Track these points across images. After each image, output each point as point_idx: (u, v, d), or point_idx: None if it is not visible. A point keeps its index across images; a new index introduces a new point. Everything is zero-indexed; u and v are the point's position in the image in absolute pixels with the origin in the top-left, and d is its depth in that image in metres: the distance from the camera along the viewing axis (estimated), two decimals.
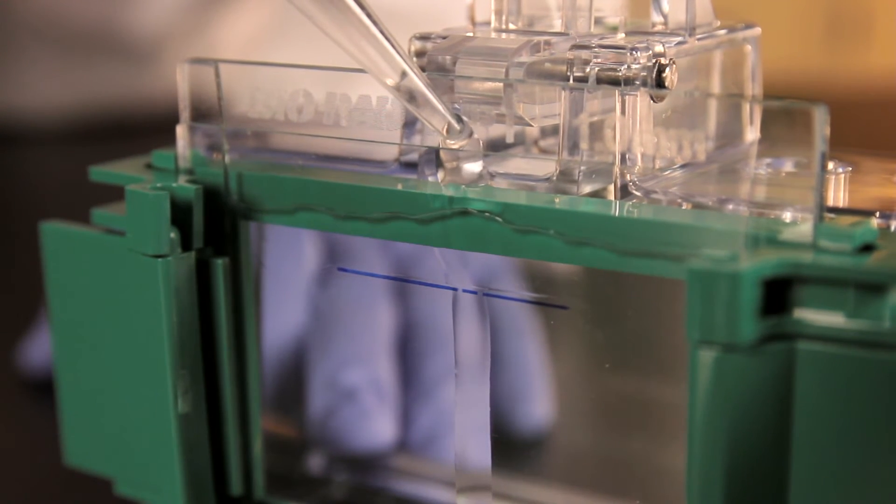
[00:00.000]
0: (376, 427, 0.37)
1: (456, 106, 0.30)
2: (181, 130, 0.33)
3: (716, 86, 0.32)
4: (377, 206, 0.31)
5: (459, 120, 0.30)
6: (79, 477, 0.36)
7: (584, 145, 0.30)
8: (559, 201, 0.29)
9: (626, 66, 0.29)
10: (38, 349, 0.45)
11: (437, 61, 0.31)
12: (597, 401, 0.35)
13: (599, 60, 0.30)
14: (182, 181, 0.32)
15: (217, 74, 0.32)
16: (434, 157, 0.32)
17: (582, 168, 0.30)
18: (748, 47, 0.33)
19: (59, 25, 0.81)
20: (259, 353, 0.34)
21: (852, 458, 0.25)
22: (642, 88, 0.29)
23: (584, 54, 0.30)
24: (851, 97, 0.92)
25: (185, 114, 0.33)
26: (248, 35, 0.84)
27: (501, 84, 0.30)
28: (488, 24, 0.32)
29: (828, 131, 0.26)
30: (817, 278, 0.25)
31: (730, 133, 0.31)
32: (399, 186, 0.31)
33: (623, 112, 0.29)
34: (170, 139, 0.33)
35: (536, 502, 0.35)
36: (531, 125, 0.30)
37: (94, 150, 0.44)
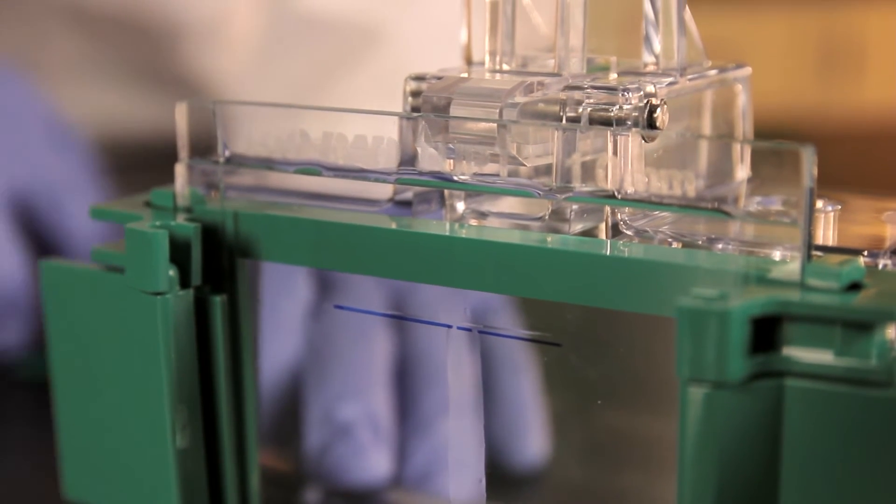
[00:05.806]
0: (372, 462, 0.37)
1: (450, 146, 0.31)
2: (180, 169, 0.33)
3: (707, 125, 0.33)
4: (372, 245, 0.31)
5: None
6: None
7: (576, 184, 0.30)
8: (551, 240, 0.29)
9: (617, 107, 0.30)
10: None
11: (432, 101, 0.31)
12: (589, 437, 0.36)
13: (592, 101, 0.30)
14: (181, 219, 0.33)
15: (215, 114, 0.32)
16: (427, 196, 0.32)
17: (574, 207, 0.30)
18: (739, 87, 0.33)
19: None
20: (256, 389, 0.34)
21: (840, 494, 0.26)
22: (634, 129, 0.30)
23: (577, 95, 0.30)
24: (844, 132, 0.92)
25: (183, 152, 0.33)
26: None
27: (495, 124, 0.30)
28: (482, 64, 0.33)
29: (815, 171, 0.26)
30: (805, 316, 0.26)
31: (720, 172, 0.32)
32: (393, 225, 0.31)
33: (615, 152, 0.29)
34: (167, 176, 0.33)
35: None
36: (524, 164, 0.30)
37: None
